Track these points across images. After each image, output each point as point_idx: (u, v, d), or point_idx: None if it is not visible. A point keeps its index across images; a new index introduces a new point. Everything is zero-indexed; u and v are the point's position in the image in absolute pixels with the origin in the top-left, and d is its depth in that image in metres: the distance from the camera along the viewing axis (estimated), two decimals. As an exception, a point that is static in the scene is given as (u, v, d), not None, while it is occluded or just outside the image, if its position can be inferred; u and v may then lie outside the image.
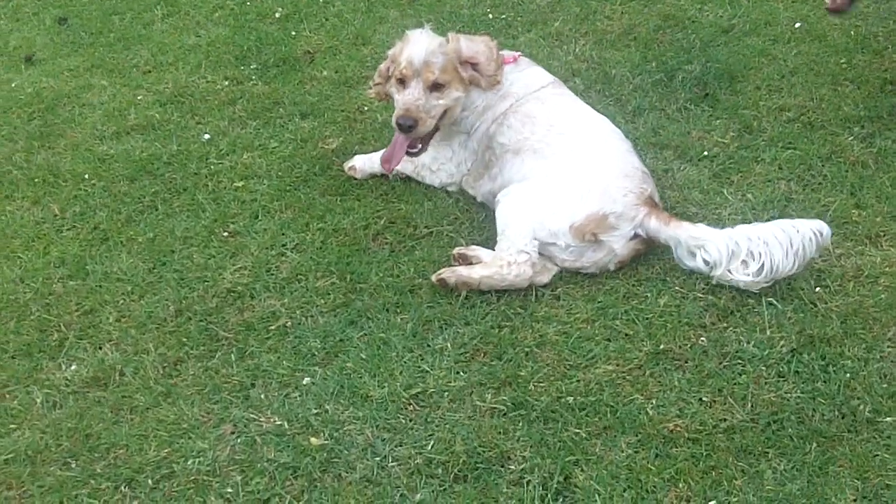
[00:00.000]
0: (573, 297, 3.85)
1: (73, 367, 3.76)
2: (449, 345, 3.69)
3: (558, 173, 4.01)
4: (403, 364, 3.64)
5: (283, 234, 4.35)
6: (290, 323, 3.87)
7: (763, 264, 3.70)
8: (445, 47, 4.25)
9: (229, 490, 3.22)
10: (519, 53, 4.52)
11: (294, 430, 3.42)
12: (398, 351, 3.69)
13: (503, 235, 3.94)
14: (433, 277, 3.92)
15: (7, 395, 3.65)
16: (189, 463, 3.32)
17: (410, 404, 3.48)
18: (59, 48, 6.15)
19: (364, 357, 3.68)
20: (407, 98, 4.23)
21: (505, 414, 3.40)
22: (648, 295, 3.81)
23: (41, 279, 4.18)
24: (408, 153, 4.34)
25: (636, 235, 3.92)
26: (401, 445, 3.33)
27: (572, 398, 3.42)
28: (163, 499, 3.21)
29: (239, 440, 3.39)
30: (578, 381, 3.50)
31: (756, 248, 3.71)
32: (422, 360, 3.65)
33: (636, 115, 4.81)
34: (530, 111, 4.25)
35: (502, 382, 3.52)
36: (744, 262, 3.73)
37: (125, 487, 3.26)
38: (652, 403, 3.38)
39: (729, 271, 3.75)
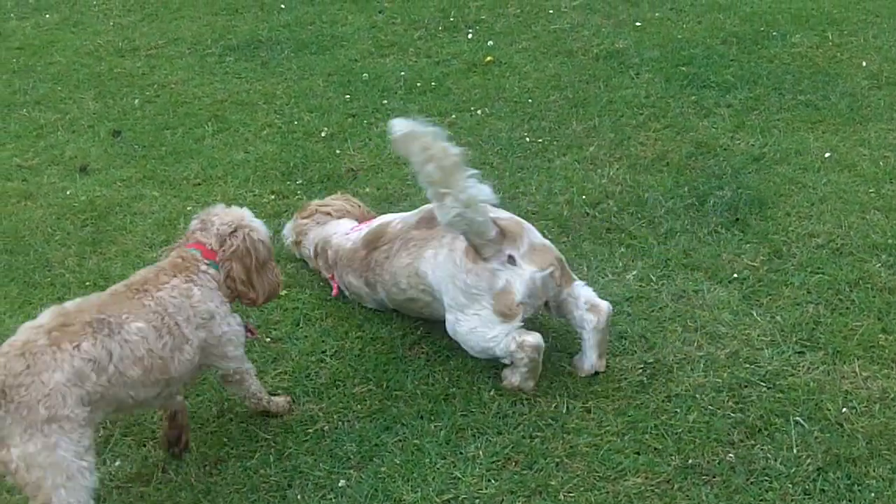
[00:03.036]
0: (604, 410, 3.94)
1: (117, 463, 3.87)
2: (481, 453, 3.78)
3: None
4: (436, 470, 3.72)
5: (322, 342, 4.49)
6: (327, 427, 3.97)
7: None
8: None
9: (264, 586, 3.30)
10: None
11: (328, 530, 3.50)
12: (431, 457, 3.78)
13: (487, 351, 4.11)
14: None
15: (53, 490, 3.76)
16: (226, 559, 3.41)
17: (442, 509, 3.57)
18: (113, 159, 6.42)
19: (398, 462, 3.78)
20: None
21: (535, 522, 3.48)
22: (678, 410, 3.90)
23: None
24: None
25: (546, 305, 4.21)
26: (432, 549, 3.40)
27: (601, 509, 3.50)
28: (200, 592, 3.30)
29: (275, 538, 3.48)
30: (608, 492, 3.57)
31: None
32: (454, 466, 3.74)
33: (668, 237, 4.96)
34: None
35: (533, 491, 3.60)
36: None
37: (162, 581, 3.35)
38: (679, 517, 3.45)
39: None
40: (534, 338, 3.94)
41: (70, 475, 3.19)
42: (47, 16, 9.23)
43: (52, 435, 3.18)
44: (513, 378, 4.06)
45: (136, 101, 7.23)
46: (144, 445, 3.94)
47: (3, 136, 6.89)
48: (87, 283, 5.00)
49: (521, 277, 3.95)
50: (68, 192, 6.01)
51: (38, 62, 8.18)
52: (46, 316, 3.41)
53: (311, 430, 3.97)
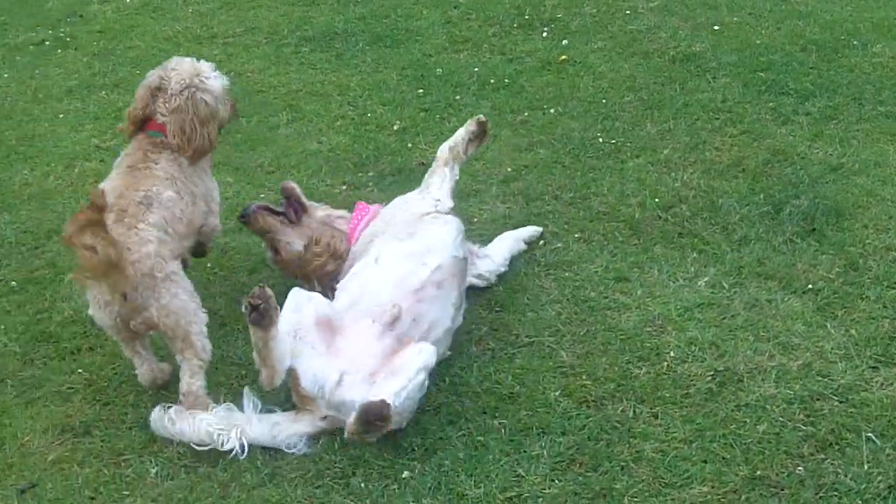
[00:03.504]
0: (672, 416, 3.91)
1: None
2: (545, 452, 3.78)
3: None
4: (500, 467, 3.72)
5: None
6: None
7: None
8: None
9: (326, 573, 3.33)
10: None
11: (391, 521, 3.52)
12: (495, 454, 3.78)
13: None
14: None
15: (122, 464, 3.84)
16: (290, 543, 3.44)
17: (505, 506, 3.57)
18: (190, 144, 6.49)
19: (461, 457, 3.78)
20: None
21: (598, 525, 3.46)
22: (747, 421, 3.85)
23: (159, 358, 4.38)
24: None
25: None
26: (494, 546, 3.40)
27: (666, 515, 3.48)
28: (263, 575, 3.34)
29: (338, 526, 3.51)
30: (673, 499, 3.54)
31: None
32: (518, 464, 3.73)
33: (742, 245, 4.90)
34: None
35: (596, 494, 3.58)
36: None
37: (227, 560, 3.40)
38: (745, 527, 3.41)
39: None
40: None
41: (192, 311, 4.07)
42: (128, 0, 9.36)
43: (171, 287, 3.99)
44: None
45: (216, 85, 7.32)
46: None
47: (82, 117, 7.02)
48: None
49: None
50: (144, 174, 6.08)
51: (118, 46, 8.30)
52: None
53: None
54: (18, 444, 4.00)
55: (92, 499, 3.70)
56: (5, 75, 7.99)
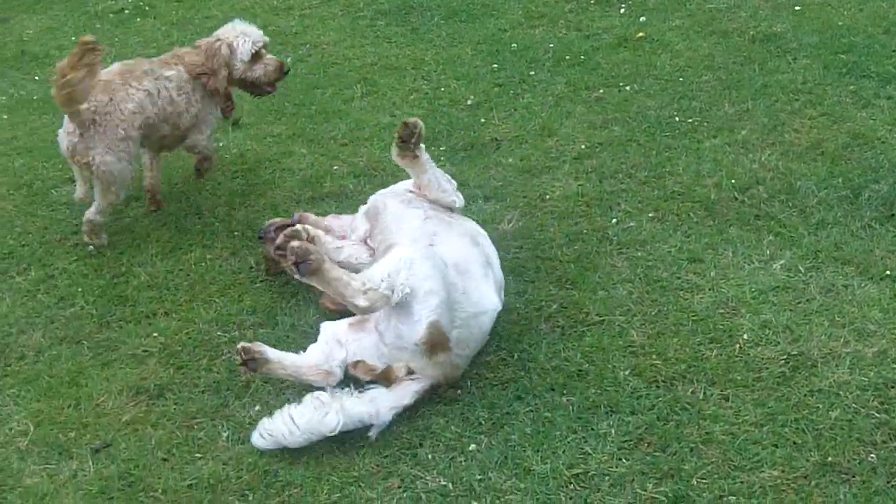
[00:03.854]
0: (742, 399, 3.87)
1: (256, 408, 3.98)
2: (613, 431, 3.76)
3: None
4: (566, 444, 3.72)
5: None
6: (459, 391, 3.99)
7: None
8: None
9: (393, 541, 3.36)
10: None
11: (457, 492, 3.54)
12: (562, 430, 3.78)
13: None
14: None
15: (195, 427, 3.90)
16: (357, 510, 3.48)
17: (571, 483, 3.56)
18: (264, 115, 6.56)
19: (528, 432, 3.78)
20: None
21: (665, 504, 3.45)
22: (820, 406, 3.80)
23: (233, 324, 4.46)
24: None
25: None
26: (560, 521, 3.41)
27: (734, 498, 3.44)
28: (331, 540, 3.38)
29: (405, 494, 3.53)
30: (742, 482, 3.51)
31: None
32: (585, 442, 3.73)
33: (819, 228, 4.82)
34: None
35: (665, 474, 3.56)
36: None
37: (296, 525, 3.44)
38: (815, 513, 3.37)
39: None
40: None
41: (126, 180, 5.02)
42: (207, -29, 9.45)
43: (122, 151, 4.92)
44: None
45: (289, 59, 7.35)
46: (283, 393, 4.03)
47: (160, 86, 7.10)
48: (236, 233, 5.15)
49: None
50: (220, 144, 6.17)
51: (196, 15, 8.40)
52: (116, 66, 5.12)
53: (443, 394, 4.00)
54: (94, 404, 4.08)
55: (164, 460, 3.77)
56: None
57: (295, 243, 3.72)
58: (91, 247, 5.12)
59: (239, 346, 3.90)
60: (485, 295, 4.11)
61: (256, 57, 5.34)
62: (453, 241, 4.26)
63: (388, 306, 3.80)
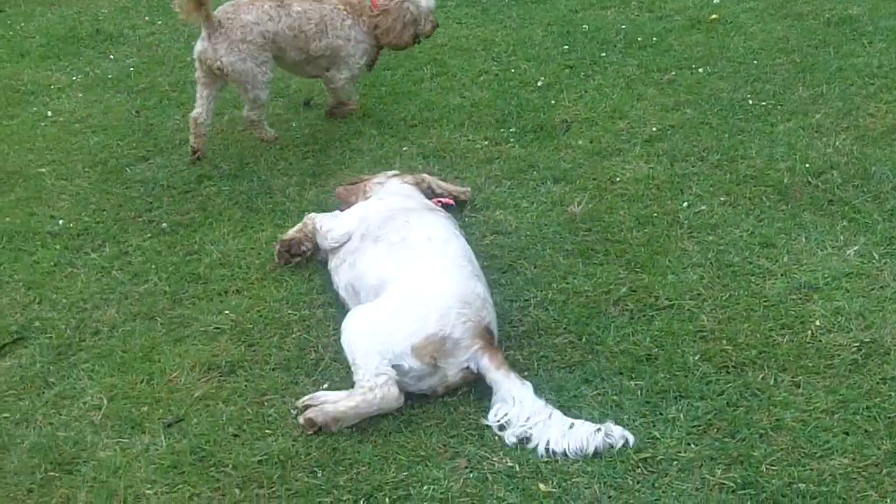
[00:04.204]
0: (814, 386, 3.83)
1: (325, 386, 4.02)
2: (682, 416, 3.74)
3: (398, 295, 3.99)
4: (634, 428, 3.70)
5: (526, 290, 4.51)
6: (527, 374, 3.98)
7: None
8: None
9: (459, 520, 3.38)
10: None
11: (524, 473, 3.54)
12: (630, 414, 3.77)
13: (355, 366, 3.84)
14: (300, 419, 3.81)
15: (265, 403, 3.95)
16: (424, 488, 3.49)
17: (639, 467, 3.54)
18: (340, 96, 6.60)
19: (596, 415, 3.77)
20: None
21: (733, 491, 3.41)
22: (892, 394, 3.74)
23: (304, 303, 4.50)
24: None
25: (467, 367, 3.88)
26: (627, 505, 3.40)
27: (804, 485, 3.40)
28: (397, 518, 3.41)
29: (472, 475, 3.55)
30: (812, 469, 3.47)
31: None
32: (653, 426, 3.71)
33: (894, 214, 4.74)
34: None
35: (734, 460, 3.53)
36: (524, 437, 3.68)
37: (364, 502, 3.47)
38: (886, 502, 3.32)
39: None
40: None
41: (257, 80, 5.70)
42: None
43: (243, 52, 5.59)
44: None
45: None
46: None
47: (232, 66, 7.18)
48: (306, 213, 5.17)
49: None
50: (292, 125, 6.23)
51: None
52: None
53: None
54: (166, 380, 4.15)
55: (235, 436, 3.82)
56: (158, 22, 8.24)
57: (311, 414, 3.78)
58: (164, 225, 5.20)
59: (300, 402, 3.90)
60: None
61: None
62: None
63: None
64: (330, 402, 3.80)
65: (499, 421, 3.73)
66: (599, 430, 3.61)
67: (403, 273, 4.10)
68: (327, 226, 4.67)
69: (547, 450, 3.61)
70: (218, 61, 5.57)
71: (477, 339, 3.88)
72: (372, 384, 3.77)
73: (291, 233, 4.79)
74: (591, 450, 3.58)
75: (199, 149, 5.82)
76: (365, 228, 4.50)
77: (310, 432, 3.77)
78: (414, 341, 3.82)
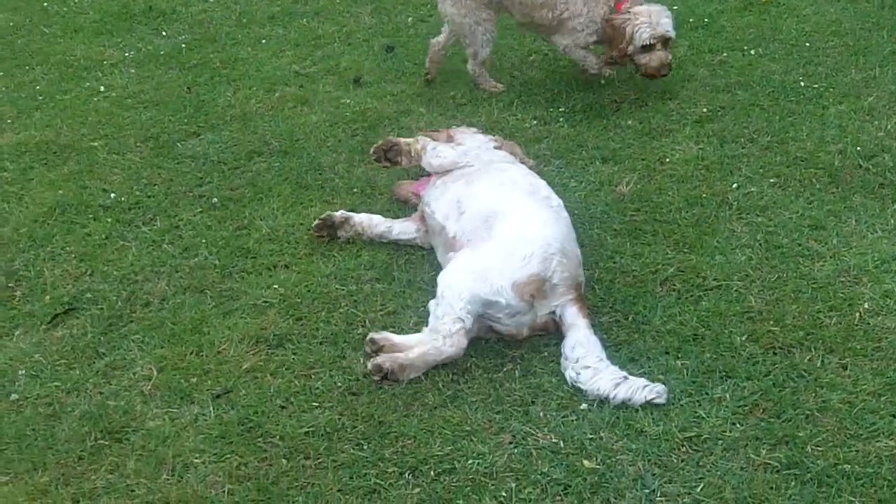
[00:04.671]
0: (861, 368, 3.80)
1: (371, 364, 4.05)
2: (728, 396, 3.74)
3: (505, 234, 4.15)
4: (680, 407, 3.71)
5: (574, 268, 4.52)
6: (573, 352, 4.00)
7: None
8: None
9: (503, 494, 3.40)
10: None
11: (568, 449, 3.56)
12: (675, 394, 3.77)
13: (441, 298, 3.99)
14: (368, 364, 3.94)
15: (313, 376, 3.99)
16: (469, 463, 3.52)
17: (683, 446, 3.55)
18: (385, 74, 6.62)
19: (642, 395, 3.78)
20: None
21: (778, 471, 3.41)
22: (941, 377, 3.73)
23: (351, 278, 4.53)
24: None
25: (552, 313, 4.01)
26: (671, 483, 3.40)
27: (849, 466, 3.39)
28: (443, 490, 3.43)
29: (516, 450, 3.57)
30: (857, 451, 3.46)
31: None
32: (699, 406, 3.71)
33: (943, 198, 4.71)
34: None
35: (779, 440, 3.53)
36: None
37: (409, 475, 3.51)
38: (932, 485, 3.31)
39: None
40: None
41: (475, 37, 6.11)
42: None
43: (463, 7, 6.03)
44: None
45: (410, 19, 7.42)
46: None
47: (283, 43, 7.23)
48: (355, 190, 5.22)
49: None
50: (342, 102, 6.25)
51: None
52: None
53: (555, 353, 4.01)
54: (215, 352, 4.20)
55: (283, 407, 3.87)
56: (210, 0, 8.29)
57: (379, 360, 3.91)
58: (215, 199, 5.25)
59: (368, 337, 4.04)
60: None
61: (649, 48, 5.72)
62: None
63: None
64: (399, 349, 3.94)
65: (574, 360, 3.87)
66: (647, 386, 3.73)
67: (512, 213, 4.26)
68: (440, 148, 4.82)
69: (598, 394, 3.75)
70: (443, 10, 6.09)
71: (571, 290, 4.05)
72: (447, 331, 3.91)
73: (401, 140, 4.93)
74: (637, 400, 3.72)
75: (430, 71, 6.38)
76: (473, 160, 4.73)
77: (375, 378, 3.88)
78: (517, 278, 3.98)
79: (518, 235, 4.12)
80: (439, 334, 3.92)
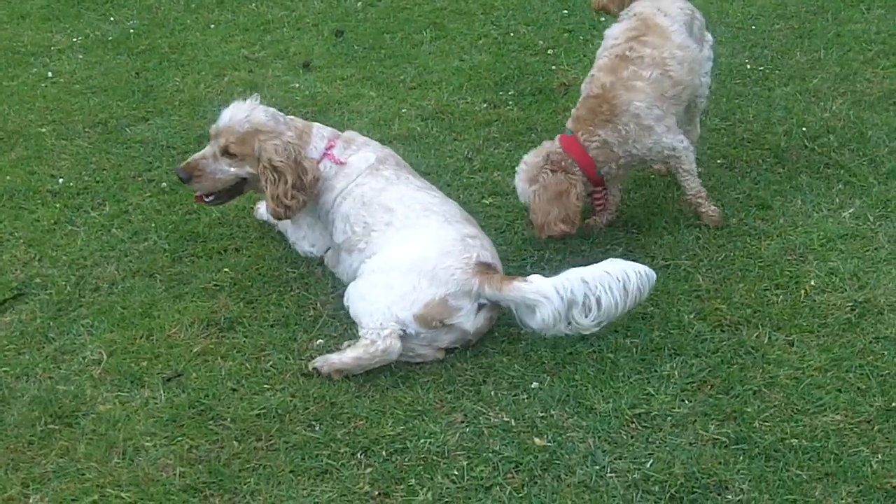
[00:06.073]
0: (807, 344, 3.87)
1: (319, 342, 4.08)
2: (676, 373, 3.78)
3: (388, 265, 3.99)
4: (630, 384, 3.75)
5: (524, 250, 4.56)
6: (522, 331, 4.02)
7: (600, 309, 3.77)
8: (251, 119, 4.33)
9: (455, 472, 3.42)
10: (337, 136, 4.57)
11: (520, 428, 3.59)
12: (625, 371, 3.81)
13: (360, 325, 3.91)
14: (309, 366, 3.91)
15: (264, 359, 3.99)
16: (421, 442, 3.54)
17: (633, 422, 3.59)
18: (335, 58, 6.60)
19: (591, 372, 3.82)
20: (196, 155, 4.41)
21: (726, 446, 3.46)
22: (886, 353, 3.79)
23: (302, 261, 4.53)
24: (203, 201, 4.48)
25: (482, 306, 3.92)
26: (620, 459, 3.44)
27: (797, 441, 3.45)
28: (395, 470, 3.45)
29: (468, 429, 3.59)
30: (804, 425, 3.51)
31: (593, 292, 3.75)
32: (648, 383, 3.75)
33: (890, 178, 4.78)
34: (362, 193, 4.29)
35: (727, 416, 3.58)
36: (583, 308, 3.76)
37: (361, 455, 3.52)
38: (878, 458, 3.37)
39: (569, 322, 3.79)
40: None
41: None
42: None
43: None
44: None
45: (359, 3, 7.40)
46: (350, 328, 4.08)
47: (232, 28, 7.18)
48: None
49: None
50: (291, 86, 6.23)
51: None
52: None
53: (506, 333, 4.04)
54: (166, 335, 4.18)
55: (234, 390, 3.86)
56: (159, -15, 8.20)
57: (316, 364, 3.89)
58: (164, 184, 5.21)
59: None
60: None
61: None
62: None
63: None
64: (336, 353, 3.88)
65: (544, 320, 3.80)
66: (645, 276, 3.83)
67: (378, 242, 4.12)
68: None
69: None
70: None
71: (472, 278, 3.89)
72: (375, 336, 3.83)
73: None
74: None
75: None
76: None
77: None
78: (415, 311, 3.87)
79: (395, 266, 3.98)
80: (368, 339, 3.85)
